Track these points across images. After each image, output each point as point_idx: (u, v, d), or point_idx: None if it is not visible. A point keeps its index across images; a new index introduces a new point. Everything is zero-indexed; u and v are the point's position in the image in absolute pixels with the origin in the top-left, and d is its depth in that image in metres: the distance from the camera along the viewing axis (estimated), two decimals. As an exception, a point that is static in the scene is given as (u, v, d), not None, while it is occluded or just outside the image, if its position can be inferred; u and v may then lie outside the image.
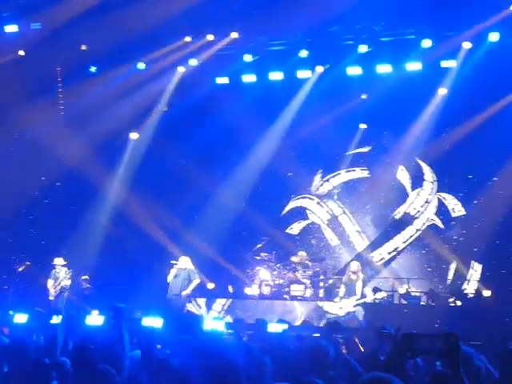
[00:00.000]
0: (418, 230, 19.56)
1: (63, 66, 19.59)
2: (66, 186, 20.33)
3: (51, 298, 17.63)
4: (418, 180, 19.86)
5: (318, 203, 20.93)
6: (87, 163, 19.20)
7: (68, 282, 17.69)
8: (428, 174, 19.76)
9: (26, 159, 19.17)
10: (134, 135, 20.88)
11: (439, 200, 19.55)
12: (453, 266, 18.88)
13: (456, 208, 19.29)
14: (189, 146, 19.77)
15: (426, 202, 19.62)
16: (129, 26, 16.74)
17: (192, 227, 19.73)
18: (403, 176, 19.96)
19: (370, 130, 20.18)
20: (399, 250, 19.67)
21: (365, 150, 20.48)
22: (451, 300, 16.75)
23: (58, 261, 17.84)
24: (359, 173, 20.55)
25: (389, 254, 19.69)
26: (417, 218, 19.61)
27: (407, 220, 19.69)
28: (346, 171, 20.69)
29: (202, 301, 18.23)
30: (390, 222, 19.86)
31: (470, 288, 18.35)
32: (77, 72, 19.50)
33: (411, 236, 19.66)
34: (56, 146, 18.61)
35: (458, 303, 16.45)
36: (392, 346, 4.41)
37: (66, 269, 17.77)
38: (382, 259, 19.72)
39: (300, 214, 21.01)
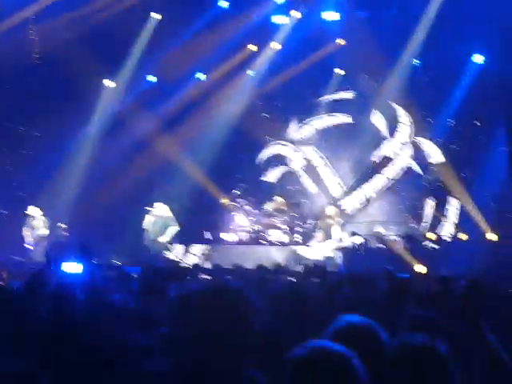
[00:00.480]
0: (395, 173, 19.64)
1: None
2: (42, 136, 20.04)
3: (29, 247, 17.48)
4: (394, 124, 19.85)
5: (294, 149, 20.89)
6: (62, 110, 18.98)
7: (45, 232, 17.54)
8: (404, 117, 19.75)
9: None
10: (108, 82, 20.54)
11: (416, 144, 19.58)
12: (429, 210, 19.02)
13: (433, 153, 19.33)
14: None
15: (403, 144, 19.63)
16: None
17: (169, 174, 19.63)
18: (379, 120, 19.93)
19: (346, 76, 20.09)
20: (375, 194, 19.76)
21: (343, 95, 20.38)
22: (427, 243, 16.94)
23: (33, 210, 17.65)
24: (337, 118, 20.50)
25: (365, 198, 19.79)
26: (394, 161, 19.63)
27: (385, 164, 19.74)
28: (323, 117, 20.63)
29: (180, 247, 18.20)
30: (368, 167, 19.88)
31: (445, 231, 18.55)
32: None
33: (389, 179, 19.75)
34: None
35: (435, 246, 16.64)
36: (389, 288, 4.39)
37: (43, 218, 17.60)
38: (357, 204, 19.82)
39: (276, 160, 20.99)
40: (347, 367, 2.50)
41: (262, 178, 20.81)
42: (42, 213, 17.67)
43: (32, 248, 17.36)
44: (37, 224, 17.49)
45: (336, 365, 2.49)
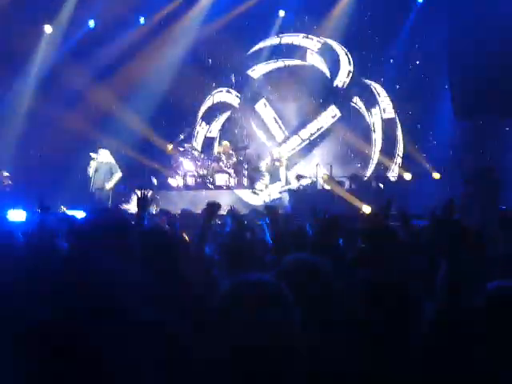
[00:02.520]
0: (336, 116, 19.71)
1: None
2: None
3: None
4: (335, 64, 19.81)
5: (237, 96, 20.79)
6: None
7: None
8: (345, 58, 19.74)
9: None
10: (48, 28, 20.02)
11: (362, 85, 19.60)
12: (376, 151, 19.20)
13: (381, 93, 19.41)
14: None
15: (346, 87, 19.70)
16: None
17: (112, 121, 19.36)
18: (319, 62, 19.90)
19: (289, 17, 19.94)
20: (320, 132, 19.83)
21: (288, 38, 20.27)
22: (373, 183, 17.13)
23: None
24: (280, 62, 20.39)
25: (310, 136, 19.86)
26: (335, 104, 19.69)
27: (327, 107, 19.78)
28: (267, 63, 20.49)
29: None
30: (313, 108, 19.89)
31: (392, 172, 18.77)
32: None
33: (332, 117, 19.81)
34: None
35: (381, 186, 16.83)
36: (320, 226, 4.45)
37: None
38: (302, 142, 19.90)
39: (222, 105, 20.88)
40: (271, 292, 2.51)
41: (209, 122, 20.74)
42: None
43: None
44: None
45: (259, 290, 2.50)
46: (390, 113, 19.26)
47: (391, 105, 19.24)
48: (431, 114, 18.06)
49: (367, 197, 15.51)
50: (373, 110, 19.43)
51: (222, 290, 2.59)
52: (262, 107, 20.41)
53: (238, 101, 20.73)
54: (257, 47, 20.49)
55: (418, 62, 18.56)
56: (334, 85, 19.75)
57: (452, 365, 2.95)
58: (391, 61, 18.83)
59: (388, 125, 19.22)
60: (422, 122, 18.35)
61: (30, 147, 19.11)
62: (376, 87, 19.40)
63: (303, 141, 19.96)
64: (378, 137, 19.30)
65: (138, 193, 6.03)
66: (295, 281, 2.93)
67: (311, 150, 19.83)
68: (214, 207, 6.21)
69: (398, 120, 19.19)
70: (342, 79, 19.75)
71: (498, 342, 2.95)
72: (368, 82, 19.46)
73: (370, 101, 19.48)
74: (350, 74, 19.67)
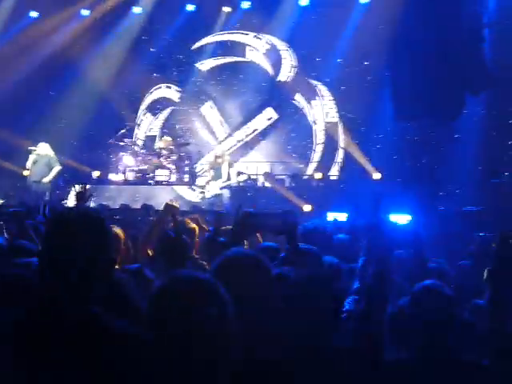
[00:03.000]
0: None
1: None
2: None
3: None
4: (278, 61, 19.86)
5: (177, 91, 20.71)
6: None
7: None
8: (288, 56, 19.80)
9: None
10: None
11: (306, 84, 19.66)
12: (319, 149, 19.29)
13: (324, 93, 19.50)
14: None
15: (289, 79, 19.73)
16: None
17: (54, 110, 19.09)
18: (261, 57, 19.95)
19: (235, 14, 19.93)
20: (256, 133, 19.87)
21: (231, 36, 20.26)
22: (314, 182, 17.26)
23: None
24: (225, 59, 20.36)
25: (248, 135, 19.89)
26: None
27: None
28: (214, 58, 20.44)
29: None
30: (255, 105, 19.89)
31: (333, 172, 18.91)
32: None
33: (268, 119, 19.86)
34: None
35: (320, 184, 16.98)
36: (234, 223, 4.45)
37: None
38: (242, 140, 19.92)
39: (163, 100, 20.77)
40: (206, 289, 2.52)
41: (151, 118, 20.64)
42: None
43: None
44: None
45: (194, 288, 2.51)
46: (333, 116, 19.32)
47: (334, 108, 19.30)
48: (374, 115, 18.16)
49: (308, 195, 15.59)
50: (315, 110, 19.48)
51: (157, 285, 2.58)
52: (208, 109, 20.32)
53: (179, 95, 20.61)
54: (202, 42, 20.39)
55: (366, 63, 18.60)
56: (277, 81, 19.75)
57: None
58: (338, 60, 18.86)
59: (330, 126, 19.29)
60: (365, 123, 18.45)
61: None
62: (321, 89, 19.44)
63: (243, 139, 19.95)
64: (319, 136, 19.36)
65: (77, 187, 5.97)
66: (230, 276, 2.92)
67: (253, 148, 19.83)
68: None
69: (340, 121, 19.26)
70: (285, 75, 19.76)
71: None
72: (313, 82, 19.48)
73: (313, 100, 19.53)
74: (293, 70, 19.68)
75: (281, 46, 19.82)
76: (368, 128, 18.27)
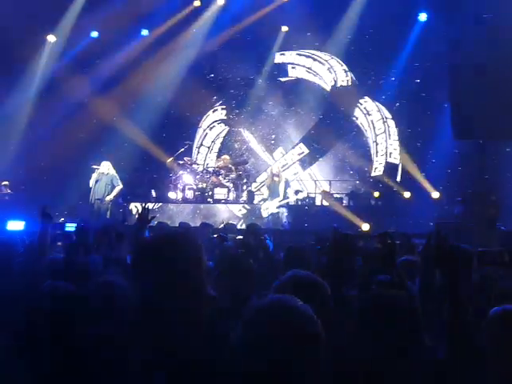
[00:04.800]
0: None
1: None
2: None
3: None
4: (334, 82, 19.86)
5: (235, 110, 20.82)
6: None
7: None
8: (344, 75, 19.79)
9: None
10: (51, 37, 20.14)
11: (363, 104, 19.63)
12: (375, 168, 19.21)
13: (383, 111, 19.44)
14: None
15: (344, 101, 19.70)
16: None
17: (114, 131, 19.44)
18: (319, 75, 19.98)
19: (291, 33, 20.01)
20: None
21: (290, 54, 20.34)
22: (372, 201, 17.19)
23: None
24: (283, 78, 20.46)
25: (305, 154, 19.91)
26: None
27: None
28: (273, 77, 20.53)
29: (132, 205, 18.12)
30: (312, 125, 19.92)
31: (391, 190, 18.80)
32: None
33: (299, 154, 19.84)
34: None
35: (379, 203, 16.90)
36: (332, 246, 4.39)
37: None
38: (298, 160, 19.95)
39: (222, 120, 20.94)
40: (307, 320, 2.48)
41: (209, 135, 20.82)
42: None
43: None
44: None
45: (297, 317, 2.46)
46: (391, 134, 19.24)
47: (392, 127, 19.19)
48: (431, 132, 18.06)
49: (366, 214, 15.54)
50: (375, 127, 19.40)
51: (253, 308, 2.51)
52: (265, 128, 20.38)
53: (237, 115, 20.74)
54: (260, 62, 20.50)
55: (418, 81, 18.56)
56: (334, 99, 19.74)
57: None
58: (392, 78, 18.86)
59: (388, 144, 19.22)
60: (421, 140, 18.35)
61: (30, 157, 19.15)
62: (378, 107, 19.37)
63: (300, 158, 19.96)
64: (377, 154, 19.29)
65: (139, 207, 6.09)
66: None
67: (310, 166, 19.85)
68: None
69: (397, 139, 19.18)
70: (342, 93, 19.74)
71: None
72: (370, 100, 19.45)
73: (370, 117, 19.48)
74: (350, 89, 19.66)
75: (337, 64, 19.83)
76: (425, 145, 18.19)
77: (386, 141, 19.25)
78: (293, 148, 20.06)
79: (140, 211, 6.10)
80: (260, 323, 2.40)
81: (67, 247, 7.52)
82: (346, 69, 19.76)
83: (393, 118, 19.23)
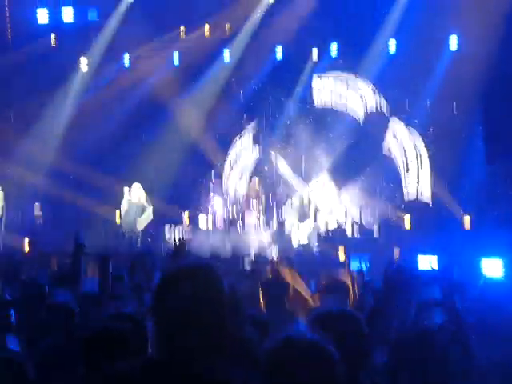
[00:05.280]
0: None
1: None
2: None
3: None
4: (374, 108, 19.75)
5: (266, 135, 20.80)
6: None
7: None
8: (384, 104, 19.68)
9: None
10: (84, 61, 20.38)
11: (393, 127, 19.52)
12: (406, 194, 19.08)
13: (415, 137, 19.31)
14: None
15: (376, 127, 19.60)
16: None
17: (146, 154, 19.55)
18: (356, 103, 19.91)
19: (322, 57, 20.02)
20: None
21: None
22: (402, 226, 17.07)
23: None
24: (314, 102, 20.43)
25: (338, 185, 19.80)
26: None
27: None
28: (304, 102, 20.51)
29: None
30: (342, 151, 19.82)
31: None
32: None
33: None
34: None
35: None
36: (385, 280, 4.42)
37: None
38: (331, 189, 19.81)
39: (253, 144, 20.88)
40: (322, 355, 2.52)
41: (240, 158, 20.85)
42: None
43: None
44: None
45: (311, 354, 2.51)
46: (422, 159, 19.11)
47: (424, 151, 19.06)
48: (463, 156, 17.92)
49: (397, 243, 15.42)
50: (406, 153, 19.27)
51: (270, 346, 2.58)
52: (295, 153, 20.33)
53: (267, 139, 20.71)
54: (291, 86, 20.49)
55: (451, 105, 18.41)
56: (366, 125, 19.66)
57: None
58: (427, 102, 18.75)
59: (419, 169, 19.08)
60: (453, 164, 18.19)
61: (61, 183, 19.32)
62: (410, 132, 19.25)
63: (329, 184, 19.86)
64: (408, 180, 19.14)
65: (176, 239, 6.09)
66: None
67: (340, 192, 19.71)
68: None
69: (429, 162, 19.02)
70: (373, 119, 19.66)
71: None
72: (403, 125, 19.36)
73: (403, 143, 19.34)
74: (382, 114, 19.57)
75: (369, 90, 19.74)
76: (457, 169, 18.02)
77: (417, 166, 19.10)
78: (323, 173, 19.94)
79: (176, 243, 6.11)
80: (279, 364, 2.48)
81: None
82: (378, 94, 19.63)
83: (425, 144, 19.06)
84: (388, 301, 5.00)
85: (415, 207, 18.48)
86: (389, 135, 19.39)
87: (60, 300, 5.87)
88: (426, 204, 18.57)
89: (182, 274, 2.67)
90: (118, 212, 17.12)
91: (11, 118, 19.86)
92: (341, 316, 3.39)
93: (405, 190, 19.09)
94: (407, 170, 19.15)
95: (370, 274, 10.39)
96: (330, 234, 16.52)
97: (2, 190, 17.24)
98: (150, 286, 8.44)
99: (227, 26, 20.12)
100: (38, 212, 18.16)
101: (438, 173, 18.73)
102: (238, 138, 20.90)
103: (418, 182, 18.97)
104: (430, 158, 18.99)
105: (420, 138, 19.12)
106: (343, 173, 19.62)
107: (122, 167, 19.07)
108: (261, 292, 6.56)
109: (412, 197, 18.86)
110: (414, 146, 19.11)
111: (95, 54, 20.16)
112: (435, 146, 18.77)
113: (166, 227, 18.09)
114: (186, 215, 18.63)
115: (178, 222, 18.38)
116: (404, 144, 19.26)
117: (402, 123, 19.28)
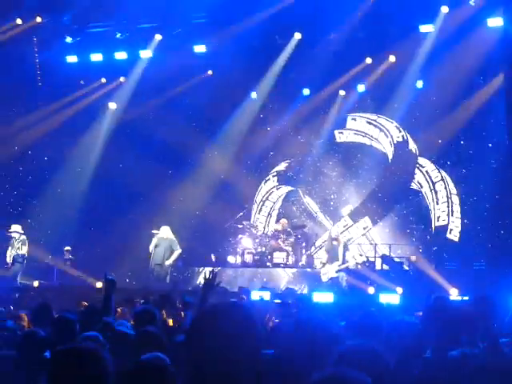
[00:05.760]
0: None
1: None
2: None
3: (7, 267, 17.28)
4: (401, 146, 19.79)
5: (294, 170, 20.85)
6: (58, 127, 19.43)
7: (23, 251, 17.29)
8: (411, 142, 19.67)
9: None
10: (112, 105, 20.68)
11: (420, 168, 19.48)
12: (434, 231, 18.97)
13: (435, 174, 19.27)
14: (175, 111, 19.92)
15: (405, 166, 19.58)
16: None
17: (174, 195, 19.69)
18: (384, 141, 19.93)
19: (351, 98, 20.12)
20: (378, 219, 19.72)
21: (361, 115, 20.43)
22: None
23: (16, 227, 17.51)
24: (339, 138, 20.51)
25: (369, 222, 19.72)
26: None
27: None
28: (328, 140, 20.58)
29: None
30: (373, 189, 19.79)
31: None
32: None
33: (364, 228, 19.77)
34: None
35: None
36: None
37: (23, 237, 17.41)
38: (361, 226, 19.76)
39: (281, 180, 20.97)
40: None
41: (267, 198, 20.87)
42: (22, 231, 17.52)
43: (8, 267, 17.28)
44: (15, 243, 17.33)
45: None
46: (452, 199, 19.03)
47: (454, 190, 18.99)
48: (496, 197, 17.78)
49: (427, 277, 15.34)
50: (436, 190, 19.21)
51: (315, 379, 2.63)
52: (324, 190, 20.35)
53: (296, 174, 20.75)
54: (319, 122, 20.54)
55: (490, 145, 18.30)
56: (394, 163, 19.65)
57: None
58: (461, 142, 18.73)
59: (449, 208, 19.00)
60: (487, 205, 18.01)
61: (91, 223, 19.53)
62: (441, 173, 19.21)
63: (359, 222, 19.81)
64: (437, 218, 19.04)
65: (207, 272, 6.02)
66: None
67: (370, 230, 19.67)
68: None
69: (459, 204, 18.92)
70: (403, 158, 19.64)
71: None
72: (425, 160, 19.34)
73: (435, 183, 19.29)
74: (412, 153, 19.55)
75: (396, 128, 19.76)
76: (491, 212, 17.85)
77: (448, 204, 19.02)
78: (352, 211, 19.90)
79: (207, 276, 6.10)
80: None
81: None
82: (405, 132, 19.64)
83: (454, 183, 18.98)
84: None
85: (443, 243, 18.39)
86: (418, 172, 19.38)
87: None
88: (454, 241, 18.47)
89: (218, 313, 2.74)
90: (149, 249, 17.18)
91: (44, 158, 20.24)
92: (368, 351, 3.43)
93: (433, 225, 18.99)
94: (436, 205, 19.06)
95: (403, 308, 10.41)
96: (359, 268, 16.46)
97: (25, 235, 17.49)
98: (180, 324, 8.47)
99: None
100: (68, 255, 18.33)
101: (467, 209, 18.63)
102: (266, 177, 21.00)
103: (448, 218, 18.89)
104: (460, 198, 18.88)
105: (448, 175, 19.06)
106: (373, 209, 19.61)
107: (151, 207, 19.24)
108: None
109: (441, 232, 18.76)
110: (444, 182, 19.04)
111: (123, 94, 20.47)
112: (465, 186, 18.67)
113: (195, 266, 18.17)
114: (214, 255, 18.65)
115: (206, 261, 18.42)
116: (433, 180, 19.20)
117: (430, 160, 19.25)
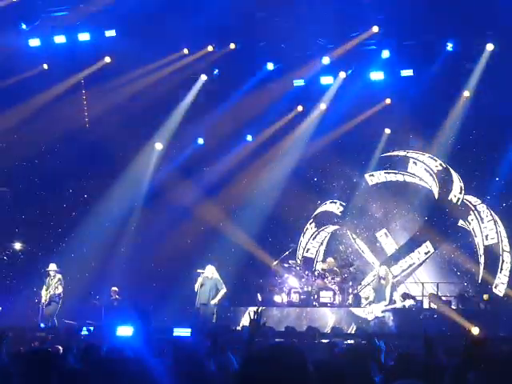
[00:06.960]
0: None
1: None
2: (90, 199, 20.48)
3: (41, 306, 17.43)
4: (447, 183, 19.66)
5: (341, 206, 20.78)
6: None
7: (59, 291, 17.50)
8: (456, 179, 19.52)
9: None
10: (158, 146, 20.92)
11: (468, 204, 19.31)
12: (481, 270, 18.71)
13: (484, 212, 19.07)
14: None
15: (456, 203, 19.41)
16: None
17: (219, 236, 19.76)
18: (430, 180, 19.81)
19: (394, 135, 20.07)
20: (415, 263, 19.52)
21: (398, 153, 20.34)
22: (481, 304, 16.69)
23: (52, 266, 17.74)
24: (385, 176, 20.42)
25: (416, 260, 19.52)
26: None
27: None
28: (375, 174, 20.52)
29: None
30: (419, 227, 19.64)
31: (498, 290, 18.25)
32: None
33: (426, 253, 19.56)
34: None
35: (486, 306, 16.40)
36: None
37: (59, 276, 17.62)
38: (407, 265, 19.57)
39: (327, 219, 20.92)
40: None
41: (314, 237, 20.83)
42: (57, 269, 17.72)
43: (43, 308, 17.40)
44: (52, 282, 17.53)
45: None
46: (493, 238, 18.80)
47: (494, 229, 18.77)
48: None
49: (476, 318, 15.06)
50: (480, 231, 19.00)
51: None
52: (383, 237, 20.31)
53: (343, 212, 20.69)
54: (364, 165, 20.56)
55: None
56: (442, 201, 19.51)
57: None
58: (497, 179, 18.59)
59: (491, 248, 18.76)
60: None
61: (137, 262, 19.67)
62: (481, 211, 19.02)
63: (406, 261, 19.64)
64: (483, 257, 18.81)
65: (252, 313, 5.99)
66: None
67: (417, 269, 19.48)
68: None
69: (501, 241, 18.67)
70: (452, 196, 19.50)
71: None
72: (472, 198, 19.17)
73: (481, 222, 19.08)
74: (459, 192, 19.41)
75: (441, 168, 19.65)
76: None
77: (498, 241, 18.78)
78: (400, 251, 19.74)
79: (253, 316, 6.07)
80: None
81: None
82: (451, 171, 19.53)
83: (500, 220, 18.78)
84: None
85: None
86: (469, 214, 19.19)
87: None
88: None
89: (269, 357, 2.72)
90: (195, 288, 17.25)
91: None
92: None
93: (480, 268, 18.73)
94: (484, 247, 18.82)
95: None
96: (405, 308, 16.27)
97: (60, 273, 17.68)
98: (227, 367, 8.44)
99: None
100: (115, 295, 18.43)
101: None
102: (313, 214, 20.96)
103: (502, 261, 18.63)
104: (502, 234, 18.66)
105: (495, 215, 18.86)
106: (419, 248, 19.46)
107: (196, 248, 19.36)
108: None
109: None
110: (494, 223, 18.84)
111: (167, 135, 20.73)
112: (508, 222, 18.49)
113: (241, 308, 18.11)
114: (260, 296, 18.59)
115: (252, 302, 18.37)
116: (481, 219, 19.00)
117: (479, 200, 19.08)
